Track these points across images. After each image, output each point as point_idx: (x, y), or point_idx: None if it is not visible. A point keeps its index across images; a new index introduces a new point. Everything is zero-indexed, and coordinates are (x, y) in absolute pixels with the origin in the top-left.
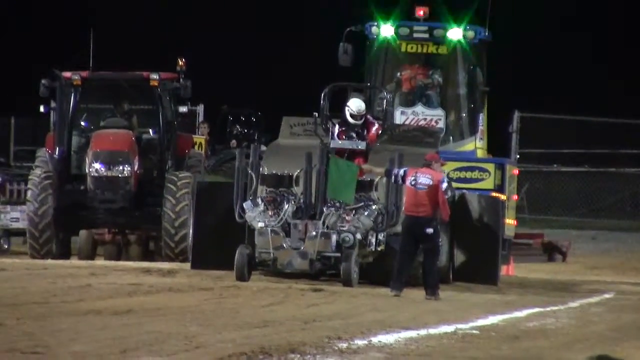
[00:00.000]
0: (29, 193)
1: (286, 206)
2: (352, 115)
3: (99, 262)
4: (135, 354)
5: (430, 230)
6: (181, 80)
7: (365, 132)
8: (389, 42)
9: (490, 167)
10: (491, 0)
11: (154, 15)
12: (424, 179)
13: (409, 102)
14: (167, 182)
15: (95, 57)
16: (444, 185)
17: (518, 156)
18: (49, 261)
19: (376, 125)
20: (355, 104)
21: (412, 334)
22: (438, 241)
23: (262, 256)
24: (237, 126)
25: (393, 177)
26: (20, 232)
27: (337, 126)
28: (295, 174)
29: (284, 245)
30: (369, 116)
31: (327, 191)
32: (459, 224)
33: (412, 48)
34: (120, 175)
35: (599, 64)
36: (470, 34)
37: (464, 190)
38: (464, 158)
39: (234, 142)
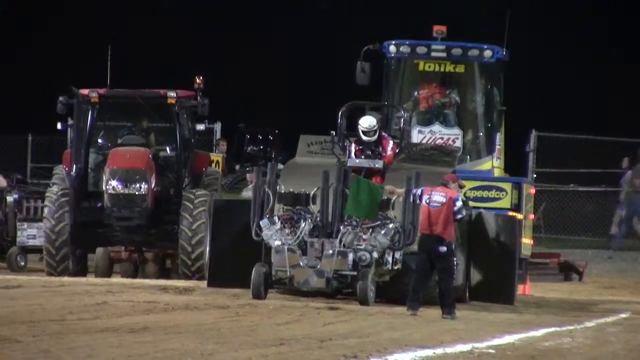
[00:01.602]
0: (46, 210)
1: (303, 224)
2: (364, 132)
3: (116, 279)
4: None
5: (443, 249)
6: (199, 98)
7: (382, 150)
8: (407, 60)
9: (507, 186)
10: (509, 19)
11: (171, 33)
12: (438, 197)
13: (426, 121)
14: (184, 200)
15: (113, 74)
16: (458, 203)
17: (535, 175)
18: (66, 278)
19: (391, 143)
20: (366, 121)
21: (428, 352)
22: (453, 260)
23: (279, 274)
24: (254, 145)
25: (411, 196)
26: (37, 249)
27: (354, 145)
28: (312, 192)
29: (301, 264)
30: (383, 133)
31: (346, 208)
32: (476, 243)
33: (429, 67)
34: (137, 193)
35: (617, 83)
36: (488, 53)
37: (481, 210)
38: (481, 177)
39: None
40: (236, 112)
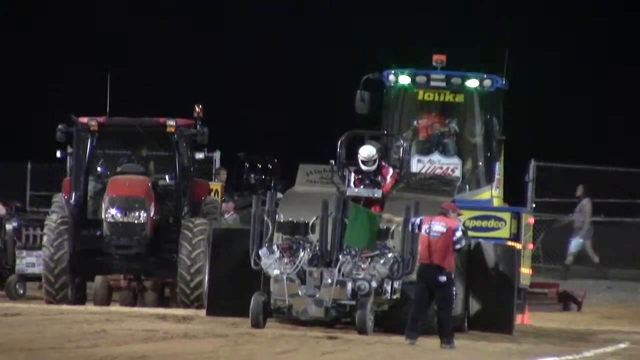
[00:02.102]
0: (45, 238)
1: (302, 254)
2: (363, 162)
3: (114, 307)
4: None
5: (443, 279)
6: (198, 126)
7: (381, 179)
8: (406, 89)
9: (506, 216)
10: (508, 49)
11: (172, 62)
12: (438, 226)
13: (425, 151)
14: (183, 228)
15: (112, 102)
16: (458, 233)
17: (534, 205)
18: (65, 306)
19: (391, 172)
20: (365, 150)
21: None
22: (452, 290)
23: (278, 303)
24: (253, 174)
25: (410, 225)
26: (35, 277)
27: (353, 174)
28: (312, 221)
29: (300, 293)
30: (383, 162)
31: (345, 238)
32: (475, 272)
33: (429, 96)
34: (136, 221)
35: (616, 113)
36: (487, 82)
37: (480, 239)
38: (480, 207)
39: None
40: (236, 140)
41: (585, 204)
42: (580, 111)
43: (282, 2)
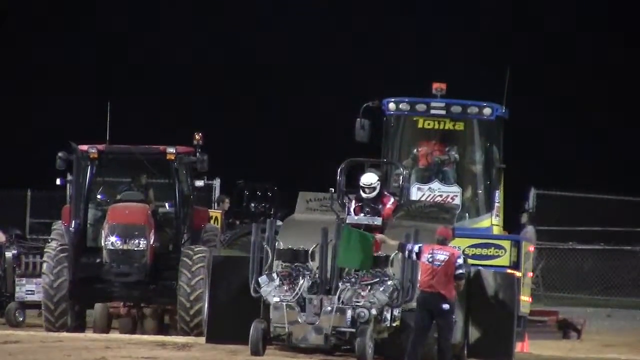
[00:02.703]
0: (45, 265)
1: (301, 281)
2: (363, 189)
3: (114, 335)
4: None
5: (446, 306)
6: (198, 154)
7: (381, 207)
8: (406, 117)
9: (506, 244)
10: (508, 77)
11: (171, 89)
12: (441, 255)
13: (425, 179)
14: (182, 255)
15: (112, 130)
16: (460, 260)
17: None
18: (64, 334)
19: (392, 200)
20: (366, 178)
21: None
22: (452, 317)
23: (277, 331)
24: (253, 201)
25: (407, 252)
26: (35, 305)
27: (353, 202)
28: (311, 249)
29: (299, 320)
30: (384, 191)
31: (338, 259)
32: (474, 300)
33: (429, 124)
34: (136, 249)
35: (615, 141)
36: (487, 110)
37: (480, 267)
38: (480, 235)
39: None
40: (235, 168)
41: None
42: (580, 139)
43: (279, 51)
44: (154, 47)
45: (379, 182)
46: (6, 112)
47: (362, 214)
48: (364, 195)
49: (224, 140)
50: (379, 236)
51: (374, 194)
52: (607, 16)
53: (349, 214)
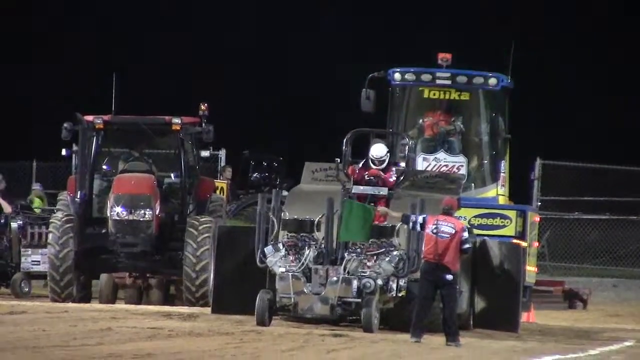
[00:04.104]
0: (50, 236)
1: (307, 251)
2: (372, 161)
3: (120, 305)
4: None
5: (450, 277)
6: (203, 124)
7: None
8: (411, 88)
9: (512, 214)
10: (513, 47)
11: (177, 61)
12: (447, 227)
13: (430, 149)
14: (188, 226)
15: (118, 101)
16: (465, 234)
17: (539, 203)
18: (70, 304)
19: (393, 170)
20: (375, 150)
21: None
22: (456, 287)
23: (283, 301)
24: (258, 172)
25: (411, 223)
26: (41, 275)
27: (358, 170)
28: (317, 219)
29: (305, 291)
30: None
31: (340, 234)
32: (480, 270)
33: (434, 94)
34: (141, 219)
35: (622, 112)
36: (493, 80)
37: (485, 237)
38: (486, 205)
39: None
40: (241, 138)
41: None
42: (585, 109)
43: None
44: (153, 16)
45: (388, 154)
46: (11, 83)
47: (367, 185)
48: (373, 167)
49: (230, 110)
50: (381, 209)
51: (383, 166)
52: None
53: (354, 183)
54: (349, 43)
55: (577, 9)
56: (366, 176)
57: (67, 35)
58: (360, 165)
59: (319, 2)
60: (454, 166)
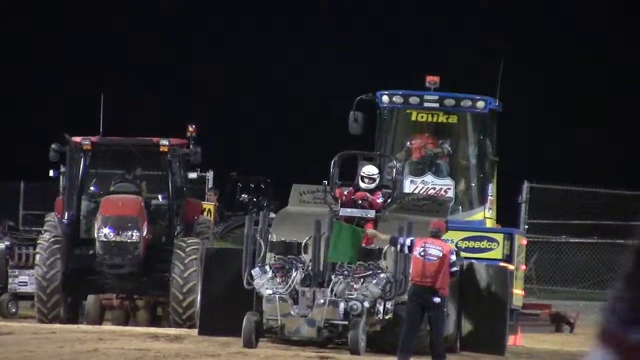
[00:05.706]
0: (38, 257)
1: (294, 273)
2: (362, 178)
3: (107, 327)
4: None
5: (437, 300)
6: (191, 146)
7: (371, 199)
8: (399, 110)
9: (499, 237)
10: (502, 70)
11: (165, 82)
12: (434, 250)
13: (418, 171)
14: (175, 248)
15: (105, 122)
16: (453, 257)
17: (527, 226)
18: (57, 325)
19: (381, 192)
20: (367, 168)
21: None
22: (444, 310)
23: (270, 323)
24: (246, 193)
25: (399, 246)
26: (28, 296)
27: (346, 192)
28: (304, 241)
29: (292, 313)
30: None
31: (328, 255)
32: (467, 293)
33: (422, 117)
34: (128, 241)
35: (610, 137)
36: (481, 103)
37: (472, 260)
38: (473, 228)
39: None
40: (229, 160)
41: None
42: (572, 132)
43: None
44: (144, 37)
45: (379, 174)
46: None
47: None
48: (362, 185)
49: (217, 132)
50: (370, 231)
51: (373, 185)
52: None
53: (342, 205)
54: (339, 64)
55: (561, 33)
56: (353, 198)
57: (61, 52)
58: (349, 187)
59: (310, 25)
60: (441, 189)
